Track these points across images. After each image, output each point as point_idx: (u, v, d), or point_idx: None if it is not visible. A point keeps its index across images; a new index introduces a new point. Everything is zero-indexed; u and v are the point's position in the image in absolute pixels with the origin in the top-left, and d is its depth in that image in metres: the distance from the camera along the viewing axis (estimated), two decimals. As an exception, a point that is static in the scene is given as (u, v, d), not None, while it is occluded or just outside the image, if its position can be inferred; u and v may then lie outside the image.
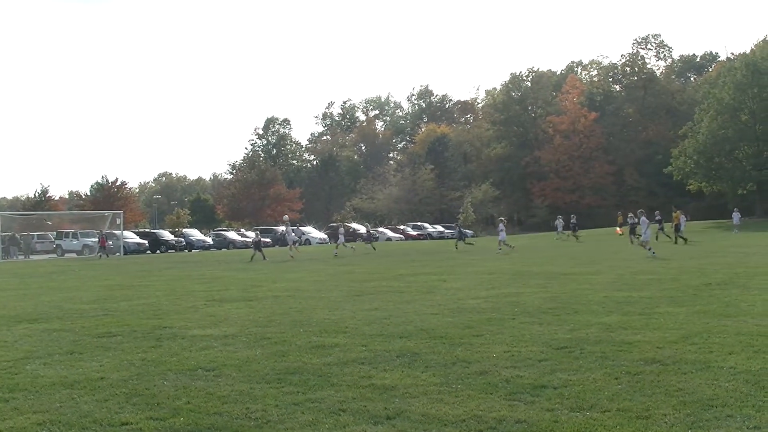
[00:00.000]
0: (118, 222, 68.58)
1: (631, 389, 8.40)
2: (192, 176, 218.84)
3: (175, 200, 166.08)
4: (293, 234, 50.23)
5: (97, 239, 62.00)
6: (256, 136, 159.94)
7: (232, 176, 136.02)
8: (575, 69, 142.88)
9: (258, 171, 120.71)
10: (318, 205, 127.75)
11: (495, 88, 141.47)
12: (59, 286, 26.88)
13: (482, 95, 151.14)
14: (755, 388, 8.26)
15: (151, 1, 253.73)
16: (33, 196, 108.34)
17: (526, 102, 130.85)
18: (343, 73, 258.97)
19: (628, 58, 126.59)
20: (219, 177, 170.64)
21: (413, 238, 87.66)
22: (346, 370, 9.84)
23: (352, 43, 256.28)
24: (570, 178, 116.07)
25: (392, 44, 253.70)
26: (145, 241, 71.07)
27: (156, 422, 7.71)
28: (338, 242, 49.78)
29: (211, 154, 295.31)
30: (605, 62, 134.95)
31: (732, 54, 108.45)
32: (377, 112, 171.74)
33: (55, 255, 67.41)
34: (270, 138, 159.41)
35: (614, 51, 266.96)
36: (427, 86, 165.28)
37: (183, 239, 75.63)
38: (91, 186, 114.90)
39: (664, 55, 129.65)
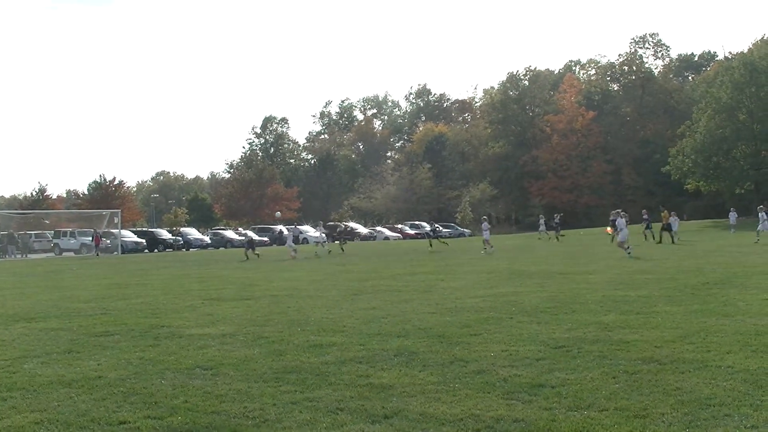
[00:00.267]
0: (115, 221, 68.59)
1: (629, 388, 8.40)
2: (190, 175, 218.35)
3: (173, 199, 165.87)
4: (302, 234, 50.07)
5: (91, 238, 61.93)
6: (254, 135, 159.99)
7: (229, 175, 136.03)
8: (573, 68, 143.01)
9: (256, 170, 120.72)
10: (316, 204, 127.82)
11: (493, 87, 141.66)
12: (57, 285, 26.87)
13: (480, 94, 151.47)
14: (753, 387, 8.26)
15: (149, 1, 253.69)
16: (31, 195, 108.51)
17: (523, 101, 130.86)
18: (340, 72, 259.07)
19: (625, 57, 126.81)
20: (217, 176, 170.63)
21: (411, 237, 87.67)
22: (344, 369, 9.85)
23: (350, 42, 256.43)
24: (568, 177, 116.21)
25: (390, 43, 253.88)
26: (143, 240, 71.09)
27: (154, 421, 7.71)
28: (319, 242, 49.18)
29: (209, 153, 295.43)
30: (603, 61, 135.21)
31: (730, 53, 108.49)
32: (375, 111, 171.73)
33: (52, 254, 67.46)
34: (268, 137, 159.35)
35: (612, 50, 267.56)
36: (425, 85, 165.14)
37: (181, 238, 75.64)
38: (89, 185, 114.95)
39: (662, 54, 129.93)
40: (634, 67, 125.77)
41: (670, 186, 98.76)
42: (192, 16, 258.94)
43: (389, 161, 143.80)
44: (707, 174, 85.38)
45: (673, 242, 43.63)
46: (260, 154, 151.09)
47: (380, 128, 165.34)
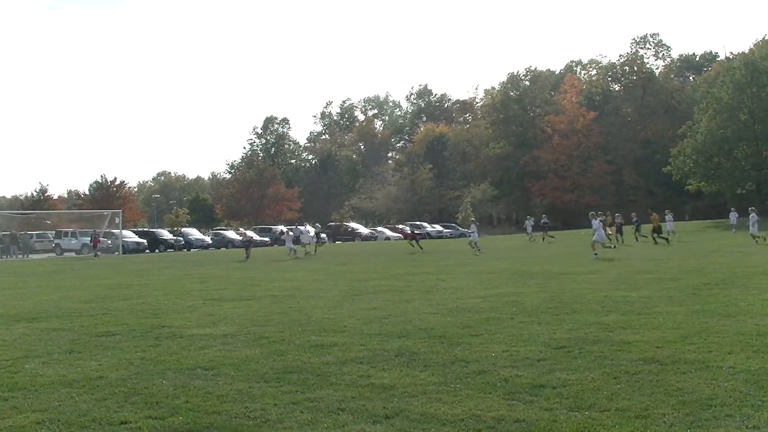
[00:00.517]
0: (117, 221, 68.58)
1: (630, 389, 8.40)
2: (191, 175, 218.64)
3: (174, 199, 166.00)
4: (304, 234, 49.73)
5: (90, 238, 61.83)
6: (255, 136, 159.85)
7: (230, 175, 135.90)
8: (574, 68, 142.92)
9: (257, 170, 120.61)
10: (317, 204, 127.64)
11: (494, 88, 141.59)
12: (58, 285, 26.88)
13: (481, 94, 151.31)
14: (754, 388, 8.26)
15: (150, 1, 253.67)
16: (32, 195, 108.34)
17: (524, 101, 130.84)
18: (341, 72, 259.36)
19: (626, 57, 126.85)
20: (218, 176, 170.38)
21: (412, 237, 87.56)
22: (345, 370, 9.85)
23: (351, 43, 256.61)
24: (568, 177, 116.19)
25: (391, 43, 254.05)
26: (144, 241, 71.07)
27: (155, 421, 7.72)
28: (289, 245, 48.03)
29: (210, 154, 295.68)
30: (604, 62, 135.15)
31: (731, 53, 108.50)
32: (376, 111, 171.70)
33: (54, 254, 67.43)
34: (269, 137, 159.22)
35: (613, 50, 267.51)
36: (426, 86, 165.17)
37: (182, 238, 75.60)
38: (90, 185, 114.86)
39: (663, 54, 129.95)
40: (635, 68, 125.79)
41: (671, 186, 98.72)
42: (193, 16, 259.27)
43: (390, 161, 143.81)
44: (708, 174, 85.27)
45: (667, 242, 43.28)
46: (261, 154, 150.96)
47: (381, 128, 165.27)
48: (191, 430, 7.41)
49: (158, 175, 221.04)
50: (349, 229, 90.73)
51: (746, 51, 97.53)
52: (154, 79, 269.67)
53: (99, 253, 60.95)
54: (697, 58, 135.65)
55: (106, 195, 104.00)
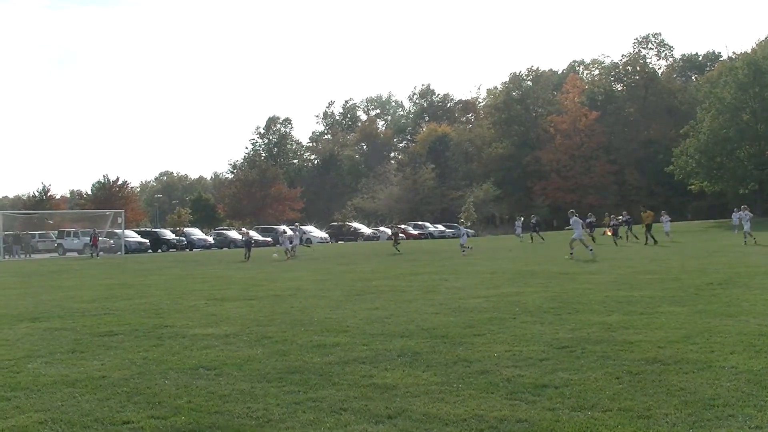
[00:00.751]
0: (119, 221, 68.56)
1: (633, 389, 8.40)
2: (193, 175, 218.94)
3: (177, 199, 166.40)
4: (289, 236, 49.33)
5: (89, 238, 61.78)
6: (258, 136, 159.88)
7: (233, 175, 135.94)
8: (577, 68, 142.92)
9: (259, 170, 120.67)
10: (319, 204, 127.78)
11: (496, 88, 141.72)
12: (60, 285, 26.91)
13: (483, 94, 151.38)
14: (757, 388, 8.25)
15: (153, 2, 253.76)
16: (34, 195, 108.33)
17: (526, 101, 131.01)
18: (344, 72, 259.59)
19: (629, 57, 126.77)
20: (220, 176, 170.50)
21: (414, 237, 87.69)
22: (348, 370, 9.85)
23: (354, 43, 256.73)
24: (571, 177, 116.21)
25: (393, 43, 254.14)
26: (147, 240, 71.11)
27: (157, 421, 7.72)
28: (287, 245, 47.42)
29: (213, 154, 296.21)
30: (606, 62, 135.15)
31: (733, 53, 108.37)
32: (378, 111, 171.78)
33: (56, 254, 67.48)
34: (271, 137, 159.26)
35: (615, 50, 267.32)
36: (428, 85, 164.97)
37: (184, 238, 75.64)
38: (93, 185, 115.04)
39: (665, 54, 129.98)
40: (638, 68, 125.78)
41: (674, 186, 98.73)
42: (196, 16, 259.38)
43: (392, 161, 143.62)
44: (711, 174, 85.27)
45: (655, 242, 42.84)
46: (264, 154, 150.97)
47: (383, 128, 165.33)
48: (194, 430, 7.42)
49: (161, 175, 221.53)
50: (352, 229, 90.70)
51: (749, 51, 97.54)
52: (157, 79, 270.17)
53: (101, 252, 60.93)
54: (700, 58, 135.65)
55: (108, 195, 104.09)
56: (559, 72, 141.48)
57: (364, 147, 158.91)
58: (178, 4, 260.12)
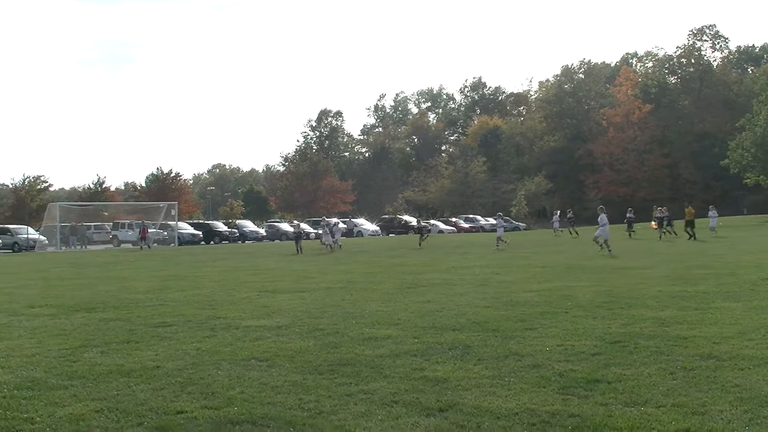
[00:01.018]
0: (172, 213, 69.29)
1: (687, 385, 8.32)
2: (245, 168, 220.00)
3: (229, 192, 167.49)
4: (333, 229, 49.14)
5: (140, 230, 62.38)
6: (309, 128, 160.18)
7: (284, 168, 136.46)
8: (630, 61, 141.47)
9: (310, 163, 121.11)
10: (370, 197, 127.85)
11: (548, 80, 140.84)
12: (115, 276, 27.27)
13: (535, 87, 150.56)
14: (814, 385, 8.14)
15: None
16: (90, 187, 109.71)
17: (578, 94, 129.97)
18: (395, 65, 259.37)
19: (683, 49, 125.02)
20: (272, 169, 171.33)
21: (465, 230, 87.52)
22: (399, 362, 9.86)
23: (405, 36, 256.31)
24: (624, 171, 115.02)
25: (445, 36, 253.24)
26: (200, 232, 71.69)
27: (210, 411, 7.79)
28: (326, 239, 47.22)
29: (265, 146, 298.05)
30: (660, 54, 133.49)
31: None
32: (429, 104, 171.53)
33: (111, 245, 68.34)
34: (323, 130, 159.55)
35: (670, 42, 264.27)
36: (480, 78, 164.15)
37: (236, 230, 76.15)
38: (147, 177, 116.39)
39: (720, 46, 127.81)
40: (692, 60, 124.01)
41: (729, 180, 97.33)
42: (249, 9, 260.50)
43: (443, 154, 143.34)
44: (767, 168, 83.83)
45: (694, 238, 41.91)
46: (315, 147, 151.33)
47: (435, 121, 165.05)
48: (246, 421, 7.47)
49: (213, 167, 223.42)
50: (403, 222, 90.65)
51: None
52: (211, 72, 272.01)
53: (155, 244, 61.57)
54: (757, 50, 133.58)
55: (162, 187, 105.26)
56: (612, 65, 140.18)
57: (415, 140, 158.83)
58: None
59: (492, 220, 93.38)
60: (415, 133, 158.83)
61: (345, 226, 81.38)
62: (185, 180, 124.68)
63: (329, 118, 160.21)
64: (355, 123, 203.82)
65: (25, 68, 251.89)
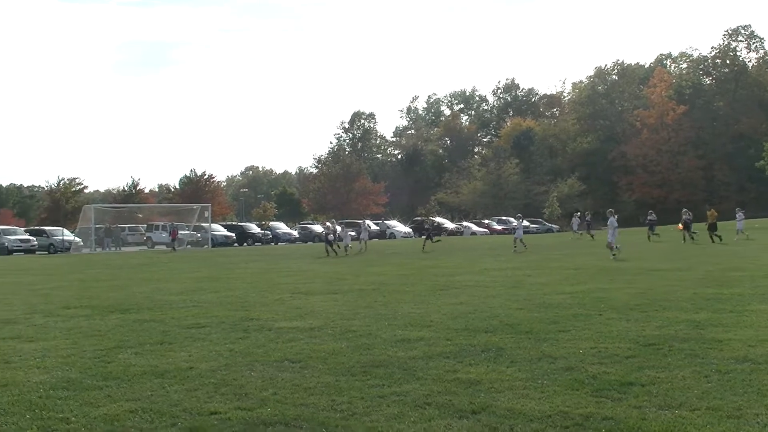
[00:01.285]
0: (206, 215, 69.60)
1: (722, 388, 8.26)
2: (278, 170, 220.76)
3: (262, 194, 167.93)
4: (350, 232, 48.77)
5: (170, 232, 62.67)
6: (342, 130, 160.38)
7: (317, 170, 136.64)
8: (664, 62, 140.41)
9: (343, 165, 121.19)
10: (403, 198, 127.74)
11: (582, 82, 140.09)
12: (149, 278, 27.44)
13: (568, 88, 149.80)
14: None
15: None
16: (124, 189, 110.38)
17: (612, 95, 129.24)
18: (428, 67, 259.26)
19: (718, 50, 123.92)
20: (305, 171, 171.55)
21: (498, 232, 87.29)
22: (432, 364, 9.86)
23: (438, 37, 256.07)
24: (658, 172, 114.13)
25: (478, 38, 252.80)
26: (233, 234, 72.00)
27: (244, 412, 7.82)
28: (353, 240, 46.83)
29: (298, 148, 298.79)
30: (695, 55, 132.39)
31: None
32: (462, 106, 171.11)
33: (145, 247, 68.84)
34: (355, 132, 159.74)
35: (704, 43, 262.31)
36: (512, 80, 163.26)
37: (269, 232, 76.42)
38: (180, 179, 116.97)
39: (756, 46, 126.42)
40: (728, 60, 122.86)
41: (765, 182, 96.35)
42: (283, 12, 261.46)
43: (476, 156, 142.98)
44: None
45: (720, 239, 41.29)
46: (348, 149, 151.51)
47: (467, 123, 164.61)
48: (279, 422, 7.49)
49: (246, 169, 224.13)
50: (435, 224, 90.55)
51: None
52: (243, 75, 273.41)
53: (188, 245, 61.90)
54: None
55: (195, 189, 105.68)
56: (646, 66, 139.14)
57: (448, 142, 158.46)
58: (263, 1, 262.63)
59: (525, 222, 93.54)
60: (448, 134, 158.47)
61: (377, 227, 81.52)
62: (218, 182, 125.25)
63: (362, 120, 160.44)
64: (387, 125, 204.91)
65: (60, 71, 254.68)
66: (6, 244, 60.69)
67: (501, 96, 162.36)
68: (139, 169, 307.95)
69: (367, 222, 69.95)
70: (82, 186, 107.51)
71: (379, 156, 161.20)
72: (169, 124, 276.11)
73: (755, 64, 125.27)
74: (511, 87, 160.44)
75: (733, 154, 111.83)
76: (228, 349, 11.42)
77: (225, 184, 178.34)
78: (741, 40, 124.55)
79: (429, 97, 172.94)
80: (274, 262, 35.87)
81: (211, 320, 14.59)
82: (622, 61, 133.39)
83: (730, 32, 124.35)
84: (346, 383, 8.93)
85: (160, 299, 19.06)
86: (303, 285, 22.30)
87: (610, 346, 10.69)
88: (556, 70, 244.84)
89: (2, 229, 65.73)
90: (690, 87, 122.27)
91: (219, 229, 73.15)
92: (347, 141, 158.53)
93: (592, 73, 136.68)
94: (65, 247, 61.97)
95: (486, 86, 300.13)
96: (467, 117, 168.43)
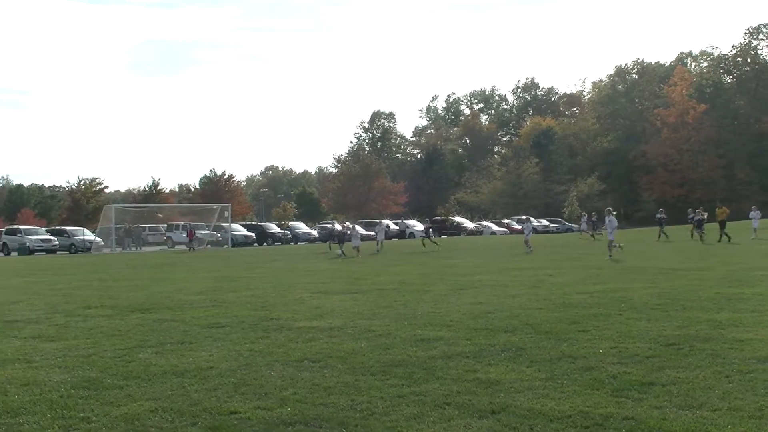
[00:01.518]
0: (226, 215, 69.71)
1: (743, 388, 8.22)
2: (298, 170, 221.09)
3: (281, 193, 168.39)
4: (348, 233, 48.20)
5: (188, 232, 62.78)
6: (362, 130, 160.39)
7: (337, 170, 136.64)
8: (685, 60, 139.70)
9: (363, 164, 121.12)
10: (422, 198, 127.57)
11: (602, 81, 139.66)
12: (170, 277, 27.54)
13: (588, 87, 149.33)
14: None
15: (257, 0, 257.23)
16: (145, 189, 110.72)
17: (632, 94, 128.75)
18: (447, 66, 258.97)
19: (739, 48, 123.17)
20: (324, 170, 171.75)
21: (518, 232, 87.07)
22: (451, 364, 9.85)
23: (457, 37, 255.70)
24: (678, 171, 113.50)
25: (498, 37, 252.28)
26: (253, 234, 72.09)
27: (263, 412, 7.85)
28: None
29: (317, 148, 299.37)
30: (716, 53, 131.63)
31: None
32: (482, 105, 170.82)
33: (165, 246, 69.08)
34: (375, 131, 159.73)
35: (725, 42, 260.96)
36: (532, 79, 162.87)
37: (289, 232, 76.50)
38: (200, 179, 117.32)
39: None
40: (749, 59, 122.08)
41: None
42: (300, 12, 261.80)
43: (496, 155, 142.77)
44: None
45: (729, 239, 40.84)
46: (367, 148, 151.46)
47: (487, 122, 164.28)
48: (299, 422, 7.51)
49: (266, 169, 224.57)
50: (455, 224, 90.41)
51: None
52: (263, 74, 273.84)
53: (208, 245, 62.03)
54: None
55: (215, 189, 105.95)
56: (666, 64, 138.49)
57: (467, 141, 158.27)
58: (282, 1, 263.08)
59: (544, 222, 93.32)
60: (467, 134, 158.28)
61: (397, 227, 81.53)
62: (238, 182, 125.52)
63: (382, 120, 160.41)
64: (407, 124, 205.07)
65: (82, 71, 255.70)
66: (27, 244, 61.11)
67: (521, 95, 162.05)
68: (159, 169, 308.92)
69: (385, 222, 69.91)
70: (103, 186, 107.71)
71: (398, 155, 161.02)
72: (189, 124, 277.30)
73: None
74: (530, 86, 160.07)
75: (754, 153, 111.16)
76: (248, 348, 11.45)
77: (245, 183, 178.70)
78: (762, 39, 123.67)
79: (448, 96, 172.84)
80: (293, 262, 35.94)
81: (231, 320, 14.63)
82: (643, 60, 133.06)
83: (751, 30, 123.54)
84: (365, 383, 8.94)
85: (180, 299, 19.13)
86: (322, 285, 22.33)
87: (631, 346, 10.66)
88: (576, 69, 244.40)
89: (24, 229, 66.21)
90: (710, 86, 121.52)
91: (239, 229, 73.25)
92: (367, 141, 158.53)
93: (612, 72, 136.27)
94: (86, 247, 62.26)
95: (506, 85, 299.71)
96: (487, 116, 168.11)
